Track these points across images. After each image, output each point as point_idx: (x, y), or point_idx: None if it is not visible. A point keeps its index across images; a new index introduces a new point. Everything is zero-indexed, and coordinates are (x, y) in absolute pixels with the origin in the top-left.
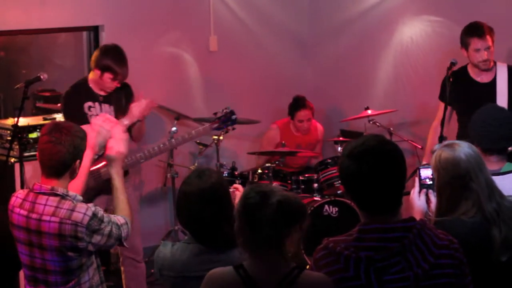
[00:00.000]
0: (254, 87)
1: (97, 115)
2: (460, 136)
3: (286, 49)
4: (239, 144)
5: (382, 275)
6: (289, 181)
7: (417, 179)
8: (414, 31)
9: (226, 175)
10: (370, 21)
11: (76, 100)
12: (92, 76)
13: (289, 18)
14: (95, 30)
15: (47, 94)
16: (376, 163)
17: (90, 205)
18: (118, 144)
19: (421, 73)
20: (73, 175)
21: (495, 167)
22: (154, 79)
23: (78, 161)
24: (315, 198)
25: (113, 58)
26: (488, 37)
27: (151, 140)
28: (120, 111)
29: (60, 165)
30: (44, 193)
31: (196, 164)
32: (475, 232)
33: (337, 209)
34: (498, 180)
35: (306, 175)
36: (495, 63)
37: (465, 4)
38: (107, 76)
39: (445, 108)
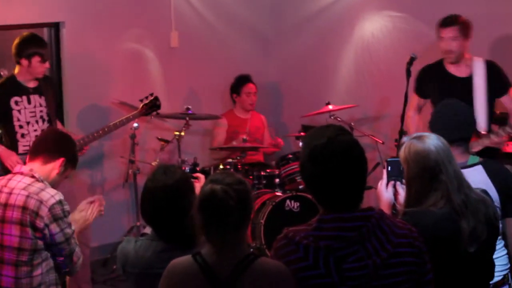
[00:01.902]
0: (216, 83)
1: (25, 108)
2: None
3: (247, 45)
4: (201, 140)
5: (341, 264)
6: (251, 177)
7: (384, 171)
8: (375, 27)
9: (188, 171)
10: (331, 17)
11: (3, 97)
12: (19, 69)
13: (251, 14)
14: (56, 27)
15: None
16: (339, 170)
17: (61, 194)
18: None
19: (382, 68)
20: (54, 173)
21: (460, 160)
22: (116, 75)
23: (63, 159)
24: (277, 193)
25: (34, 42)
26: (453, 27)
27: (113, 137)
28: (51, 101)
29: (47, 145)
30: (21, 173)
31: (158, 160)
32: (444, 223)
33: (298, 204)
34: (466, 172)
35: (268, 170)
36: (471, 58)
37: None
38: (36, 60)
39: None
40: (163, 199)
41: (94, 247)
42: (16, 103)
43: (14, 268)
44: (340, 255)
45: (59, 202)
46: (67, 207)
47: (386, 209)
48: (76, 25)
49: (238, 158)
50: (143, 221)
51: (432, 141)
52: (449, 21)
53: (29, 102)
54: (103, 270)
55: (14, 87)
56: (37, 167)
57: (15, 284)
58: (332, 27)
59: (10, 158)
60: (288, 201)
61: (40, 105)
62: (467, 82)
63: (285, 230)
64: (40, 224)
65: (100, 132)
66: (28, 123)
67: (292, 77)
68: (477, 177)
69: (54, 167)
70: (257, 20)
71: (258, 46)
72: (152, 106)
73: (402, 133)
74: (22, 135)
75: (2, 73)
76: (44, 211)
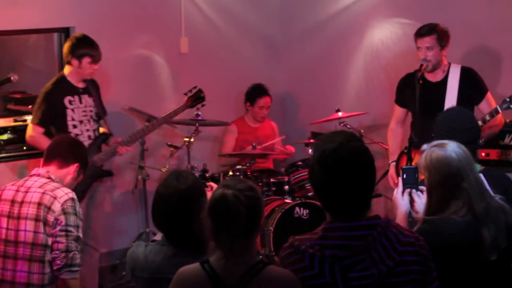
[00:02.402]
0: (225, 89)
1: (78, 107)
2: (417, 136)
3: (257, 52)
4: (210, 146)
5: (347, 273)
6: (260, 183)
7: (400, 179)
8: (384, 34)
9: (198, 177)
10: (341, 24)
11: (57, 96)
12: (69, 69)
13: (261, 21)
14: (66, 32)
15: (18, 95)
16: (347, 175)
17: (74, 194)
18: None
19: (391, 75)
20: (68, 176)
21: None
22: (125, 81)
23: (77, 165)
24: (286, 200)
25: (86, 43)
26: (430, 37)
27: None
28: (97, 102)
29: (62, 151)
30: (38, 175)
31: (167, 167)
32: (466, 232)
33: (307, 211)
34: None
35: (277, 177)
36: (449, 64)
37: (435, 6)
38: (86, 61)
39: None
40: (175, 205)
41: (103, 253)
42: (70, 102)
43: (28, 263)
44: (346, 264)
45: (72, 199)
46: (78, 208)
47: (402, 217)
48: (86, 31)
49: (248, 165)
50: (153, 227)
51: (454, 148)
52: (425, 31)
53: (80, 101)
54: (112, 276)
55: (66, 86)
56: (53, 170)
57: (28, 278)
58: (342, 34)
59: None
60: (297, 208)
61: (90, 105)
62: (440, 85)
63: (290, 239)
64: (51, 218)
65: (145, 129)
66: (81, 122)
67: (302, 84)
68: None
69: (68, 172)
70: (267, 27)
71: (268, 53)
72: (197, 99)
73: (411, 140)
74: (76, 136)
75: (12, 78)
76: (57, 206)
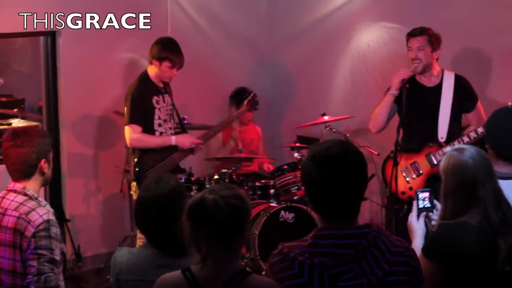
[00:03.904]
0: (210, 93)
1: (163, 106)
2: (405, 138)
3: (243, 55)
4: None
5: (336, 282)
6: (245, 187)
7: (415, 203)
8: (371, 38)
9: (183, 181)
10: (327, 28)
11: (145, 95)
12: (151, 69)
13: (247, 24)
14: (52, 35)
15: (4, 99)
16: (336, 171)
17: (51, 213)
18: None
19: (378, 79)
20: (43, 175)
21: (502, 170)
22: (111, 84)
23: (43, 160)
24: (272, 204)
25: (169, 48)
26: (420, 37)
27: (107, 146)
28: (173, 100)
29: (24, 167)
30: (15, 191)
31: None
32: (482, 238)
33: (293, 215)
34: (506, 184)
35: (263, 181)
36: (442, 70)
37: (422, 11)
38: (166, 64)
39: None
40: (155, 208)
41: (88, 256)
42: (157, 102)
43: None
44: (335, 272)
45: (47, 221)
46: (54, 230)
47: (418, 240)
48: (72, 34)
49: (233, 168)
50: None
51: (472, 154)
52: (417, 31)
53: (164, 100)
54: (96, 280)
55: (152, 86)
56: (27, 184)
57: None
58: (328, 38)
59: (187, 140)
60: (282, 212)
61: (170, 104)
62: (435, 91)
63: (280, 246)
64: (25, 244)
65: (216, 128)
66: (165, 121)
67: (288, 87)
68: None
69: (40, 172)
70: (253, 31)
71: (253, 56)
72: (254, 103)
73: (397, 144)
74: (161, 134)
75: None
76: (30, 231)
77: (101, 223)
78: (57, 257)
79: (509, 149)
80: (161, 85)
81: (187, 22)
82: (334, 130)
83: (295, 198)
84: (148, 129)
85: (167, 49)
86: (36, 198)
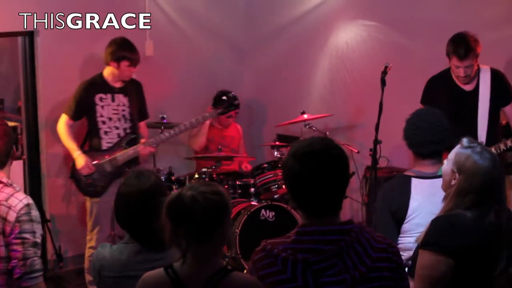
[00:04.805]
0: (190, 92)
1: (108, 105)
2: None
3: (222, 54)
4: (176, 149)
5: (319, 277)
6: (226, 186)
7: None
8: (349, 36)
9: (163, 180)
10: (305, 27)
11: (88, 92)
12: (107, 70)
13: (225, 23)
14: (30, 35)
15: None
16: (318, 166)
17: (29, 198)
18: None
19: (356, 77)
20: (12, 159)
21: (430, 170)
22: None
23: (14, 146)
24: (252, 203)
25: (125, 47)
26: (469, 58)
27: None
28: (134, 103)
29: (3, 157)
30: None
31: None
32: (480, 224)
33: (273, 213)
34: (437, 182)
35: (243, 179)
36: (478, 67)
37: (400, 9)
38: (124, 64)
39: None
40: (136, 203)
41: (69, 257)
42: (101, 99)
43: (6, 278)
44: (318, 268)
45: (27, 205)
46: (34, 212)
47: None
48: (51, 34)
49: (213, 167)
50: (119, 230)
51: (492, 157)
52: (465, 53)
53: (113, 100)
54: (78, 280)
55: (101, 84)
56: (2, 171)
57: None
58: (307, 36)
59: (84, 165)
60: (263, 211)
61: (124, 105)
62: (473, 95)
63: (263, 243)
64: (8, 228)
65: (172, 134)
66: (110, 119)
67: (267, 86)
68: None
69: (12, 158)
70: (232, 30)
71: (233, 55)
72: (229, 105)
73: (376, 142)
74: (105, 133)
75: None
76: (12, 216)
77: (81, 223)
78: (39, 240)
79: (420, 147)
80: (118, 85)
81: (165, 21)
82: (313, 128)
83: (275, 196)
84: (92, 124)
85: (123, 49)
86: (11, 185)
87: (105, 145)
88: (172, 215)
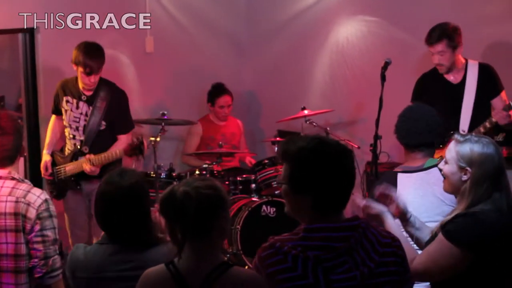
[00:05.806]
0: (191, 88)
1: (71, 110)
2: None
3: (223, 50)
4: (176, 146)
5: (330, 275)
6: (227, 182)
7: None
8: (350, 32)
9: (164, 176)
10: (306, 22)
11: (61, 91)
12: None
13: (226, 19)
14: (30, 32)
15: None
16: (334, 163)
17: (46, 193)
18: None
19: (357, 73)
20: (19, 157)
21: (418, 164)
22: None
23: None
24: (253, 199)
25: (82, 52)
26: (441, 43)
27: None
28: (106, 115)
29: (13, 152)
30: (0, 177)
31: (133, 166)
32: (505, 219)
33: (274, 209)
34: (423, 175)
35: (244, 175)
36: (466, 61)
37: (400, 4)
38: (80, 70)
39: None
40: (116, 202)
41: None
42: (67, 102)
43: (14, 276)
44: (329, 265)
45: (45, 200)
46: (52, 207)
47: (390, 219)
48: (51, 31)
49: (214, 163)
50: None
51: (493, 143)
52: (435, 39)
53: (77, 107)
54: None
55: (71, 87)
56: (12, 167)
57: None
58: (307, 32)
59: (42, 169)
60: (264, 207)
61: (86, 115)
62: (459, 88)
63: (270, 239)
64: (28, 225)
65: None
66: (70, 126)
67: (268, 82)
68: (431, 179)
69: (20, 154)
70: (233, 26)
71: (233, 51)
72: (135, 149)
73: (377, 137)
74: (69, 138)
75: None
76: (32, 213)
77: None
78: (57, 236)
79: (406, 137)
80: (88, 93)
81: (166, 17)
82: (314, 124)
83: (276, 192)
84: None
85: (81, 54)
86: (23, 180)
87: (66, 151)
88: (165, 211)
